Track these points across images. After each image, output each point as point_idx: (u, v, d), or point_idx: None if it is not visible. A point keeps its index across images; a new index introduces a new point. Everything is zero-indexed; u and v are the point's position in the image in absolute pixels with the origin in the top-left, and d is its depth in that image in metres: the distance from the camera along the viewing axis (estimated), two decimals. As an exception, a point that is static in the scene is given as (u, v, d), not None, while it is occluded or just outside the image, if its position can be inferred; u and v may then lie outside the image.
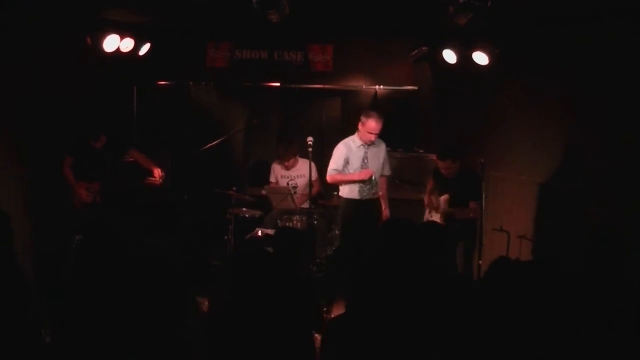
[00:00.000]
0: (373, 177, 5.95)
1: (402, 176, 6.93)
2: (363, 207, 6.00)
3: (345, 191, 6.07)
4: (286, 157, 6.87)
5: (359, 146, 5.97)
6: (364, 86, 7.84)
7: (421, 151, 7.15)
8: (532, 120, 5.90)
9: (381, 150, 6.12)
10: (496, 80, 6.34)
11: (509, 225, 5.66)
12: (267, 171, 7.15)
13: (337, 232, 6.47)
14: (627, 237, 3.31)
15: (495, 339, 2.95)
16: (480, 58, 6.24)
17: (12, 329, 3.17)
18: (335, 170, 5.98)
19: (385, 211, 6.21)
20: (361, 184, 5.97)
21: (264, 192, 6.77)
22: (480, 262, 5.95)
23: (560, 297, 3.14)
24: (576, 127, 5.32)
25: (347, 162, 5.98)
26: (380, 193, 6.17)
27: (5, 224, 3.43)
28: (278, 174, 7.00)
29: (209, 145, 6.78)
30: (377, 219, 6.04)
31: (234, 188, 6.59)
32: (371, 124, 5.82)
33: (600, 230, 3.41)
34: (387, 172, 6.24)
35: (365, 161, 5.99)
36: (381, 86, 7.77)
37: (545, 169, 5.72)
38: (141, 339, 2.96)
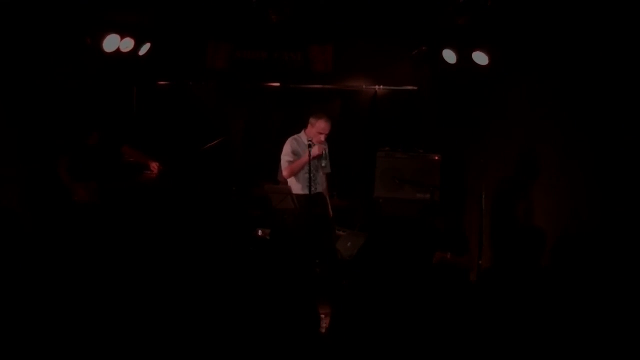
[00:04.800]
0: (325, 152, 6.16)
1: (402, 176, 6.93)
2: (313, 202, 6.16)
3: (297, 188, 6.24)
4: None
5: (308, 143, 6.15)
6: (364, 86, 7.84)
7: (421, 151, 7.15)
8: (532, 120, 5.90)
9: (325, 148, 6.33)
10: (496, 80, 6.35)
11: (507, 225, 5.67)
12: (268, 170, 7.14)
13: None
14: (630, 236, 3.31)
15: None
16: (480, 58, 6.25)
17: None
18: (289, 162, 6.22)
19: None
20: (312, 177, 6.14)
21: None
22: (480, 262, 5.96)
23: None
24: (576, 127, 5.33)
25: (296, 155, 6.20)
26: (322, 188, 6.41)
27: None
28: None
29: (209, 145, 6.78)
30: (326, 212, 6.26)
31: (234, 188, 6.59)
32: (321, 125, 6.14)
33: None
34: (328, 169, 6.42)
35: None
36: (381, 86, 7.77)
37: (546, 168, 5.72)
38: None
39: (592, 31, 5.03)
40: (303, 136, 6.30)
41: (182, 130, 7.58)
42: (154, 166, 6.15)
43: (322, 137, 6.17)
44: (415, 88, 7.76)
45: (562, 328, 3.04)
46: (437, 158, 6.97)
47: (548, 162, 5.69)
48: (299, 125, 6.76)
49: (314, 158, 6.09)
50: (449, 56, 6.66)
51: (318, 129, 6.16)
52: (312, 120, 6.23)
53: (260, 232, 6.39)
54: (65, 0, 5.73)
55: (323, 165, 6.19)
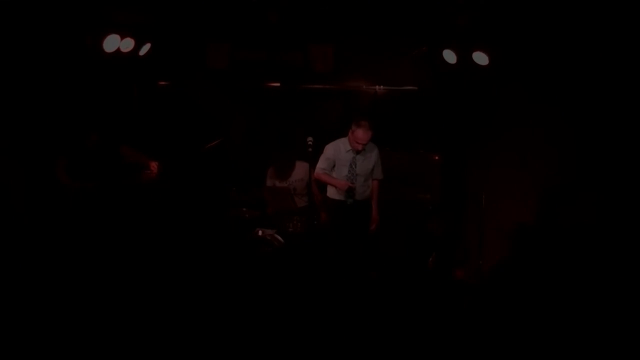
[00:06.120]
0: (353, 189, 5.95)
1: (402, 176, 6.93)
2: (350, 208, 6.05)
3: (332, 192, 6.15)
4: (284, 173, 6.79)
5: (348, 150, 5.99)
6: (364, 86, 7.84)
7: (421, 151, 7.16)
8: (532, 120, 5.90)
9: (372, 154, 6.11)
10: (496, 80, 6.35)
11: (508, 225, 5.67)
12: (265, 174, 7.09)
13: None
14: (630, 235, 3.31)
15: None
16: (480, 58, 6.25)
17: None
18: (322, 169, 6.03)
19: (374, 213, 6.21)
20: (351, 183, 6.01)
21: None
22: (480, 262, 5.96)
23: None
24: (577, 127, 5.33)
25: (334, 165, 6.03)
26: (362, 196, 6.18)
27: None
28: (276, 180, 6.92)
29: (209, 145, 6.78)
30: (365, 220, 6.10)
31: (234, 188, 6.58)
32: (359, 134, 5.83)
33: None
34: (378, 175, 6.22)
35: (353, 166, 6.02)
36: (381, 86, 7.77)
37: (546, 168, 5.72)
38: None
39: (592, 30, 5.03)
40: (346, 142, 6.03)
41: (182, 130, 7.59)
42: (154, 166, 6.16)
43: (359, 146, 5.89)
44: (415, 88, 7.75)
45: (564, 327, 3.04)
46: (437, 158, 6.97)
47: (548, 161, 5.69)
48: (299, 126, 6.79)
49: (334, 184, 6.00)
50: (449, 56, 6.65)
51: (356, 137, 5.86)
52: (352, 126, 5.91)
53: (260, 232, 6.39)
54: (65, 0, 5.73)
55: (357, 172, 5.98)
